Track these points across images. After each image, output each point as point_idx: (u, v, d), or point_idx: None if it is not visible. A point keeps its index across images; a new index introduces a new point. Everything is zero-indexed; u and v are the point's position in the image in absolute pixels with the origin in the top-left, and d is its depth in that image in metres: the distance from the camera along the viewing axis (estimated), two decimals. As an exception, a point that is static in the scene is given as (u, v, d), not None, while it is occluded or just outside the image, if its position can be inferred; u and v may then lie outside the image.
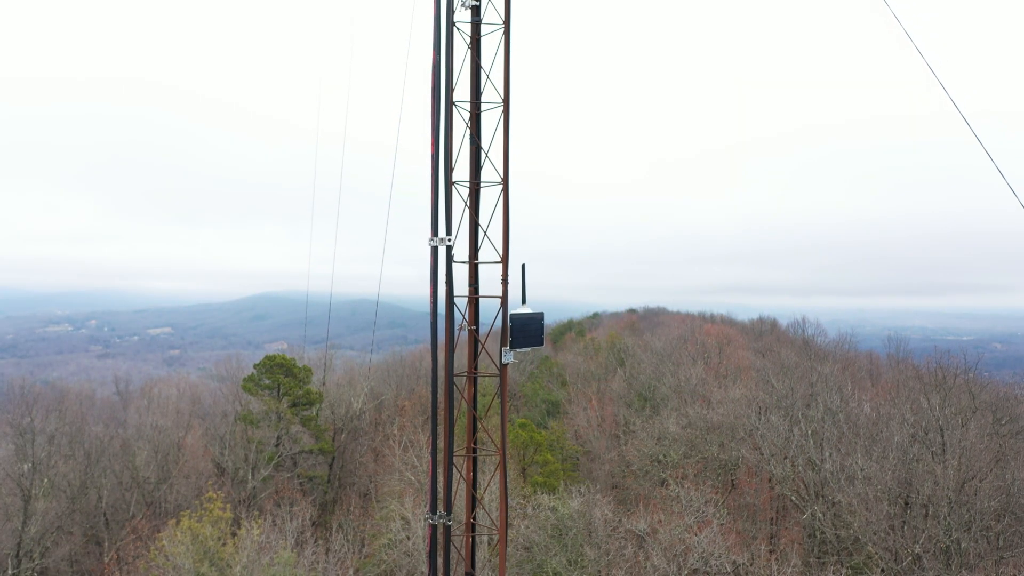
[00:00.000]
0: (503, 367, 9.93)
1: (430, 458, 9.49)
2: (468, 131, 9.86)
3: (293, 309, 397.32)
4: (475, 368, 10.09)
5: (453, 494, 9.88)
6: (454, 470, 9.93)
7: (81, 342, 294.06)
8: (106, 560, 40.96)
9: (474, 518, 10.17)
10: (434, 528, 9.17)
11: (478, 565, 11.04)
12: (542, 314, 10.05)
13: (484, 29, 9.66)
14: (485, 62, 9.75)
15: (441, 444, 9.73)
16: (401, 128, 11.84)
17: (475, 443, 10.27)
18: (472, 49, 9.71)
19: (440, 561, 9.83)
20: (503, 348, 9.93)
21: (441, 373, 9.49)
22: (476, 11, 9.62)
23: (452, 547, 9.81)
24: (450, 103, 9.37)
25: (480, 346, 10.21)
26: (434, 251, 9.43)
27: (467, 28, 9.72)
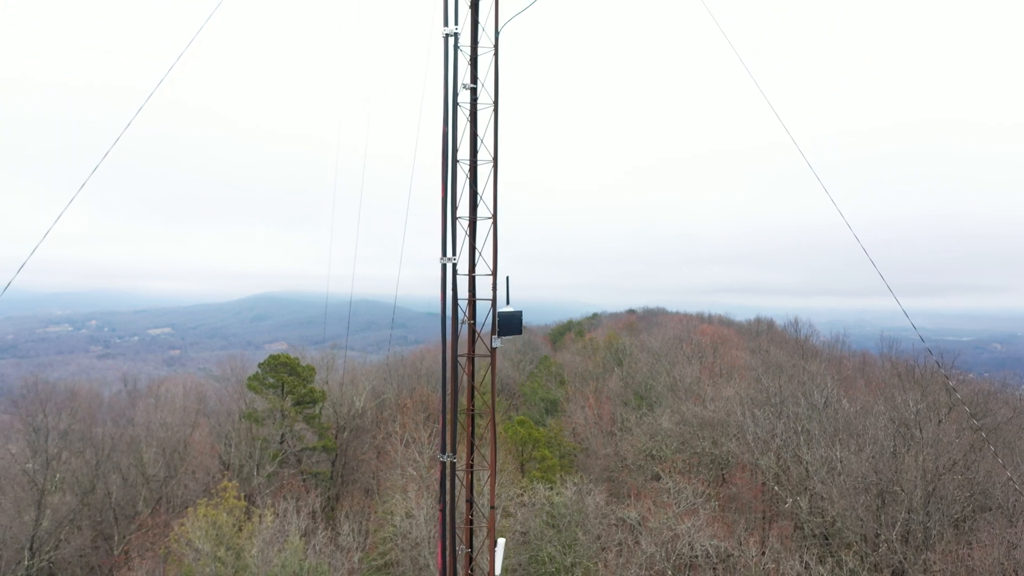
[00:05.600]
0: (493, 350, 14.35)
1: (441, 415, 13.43)
2: (468, 181, 13.85)
3: (292, 309, 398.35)
4: (473, 351, 14.26)
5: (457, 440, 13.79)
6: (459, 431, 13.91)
7: (81, 342, 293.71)
8: (116, 554, 41.98)
9: (472, 460, 14.43)
10: (443, 465, 13.19)
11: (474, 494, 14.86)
12: (521, 312, 14.36)
13: (479, 106, 13.87)
14: (480, 128, 14.06)
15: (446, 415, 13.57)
16: (415, 152, 15.56)
17: (473, 406, 14.61)
18: (471, 121, 13.74)
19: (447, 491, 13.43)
20: (493, 336, 14.15)
21: (449, 355, 13.49)
22: (474, 92, 13.68)
23: (457, 479, 13.85)
24: (455, 161, 13.32)
25: (477, 335, 14.36)
26: (443, 268, 13.27)
27: (467, 106, 13.84)
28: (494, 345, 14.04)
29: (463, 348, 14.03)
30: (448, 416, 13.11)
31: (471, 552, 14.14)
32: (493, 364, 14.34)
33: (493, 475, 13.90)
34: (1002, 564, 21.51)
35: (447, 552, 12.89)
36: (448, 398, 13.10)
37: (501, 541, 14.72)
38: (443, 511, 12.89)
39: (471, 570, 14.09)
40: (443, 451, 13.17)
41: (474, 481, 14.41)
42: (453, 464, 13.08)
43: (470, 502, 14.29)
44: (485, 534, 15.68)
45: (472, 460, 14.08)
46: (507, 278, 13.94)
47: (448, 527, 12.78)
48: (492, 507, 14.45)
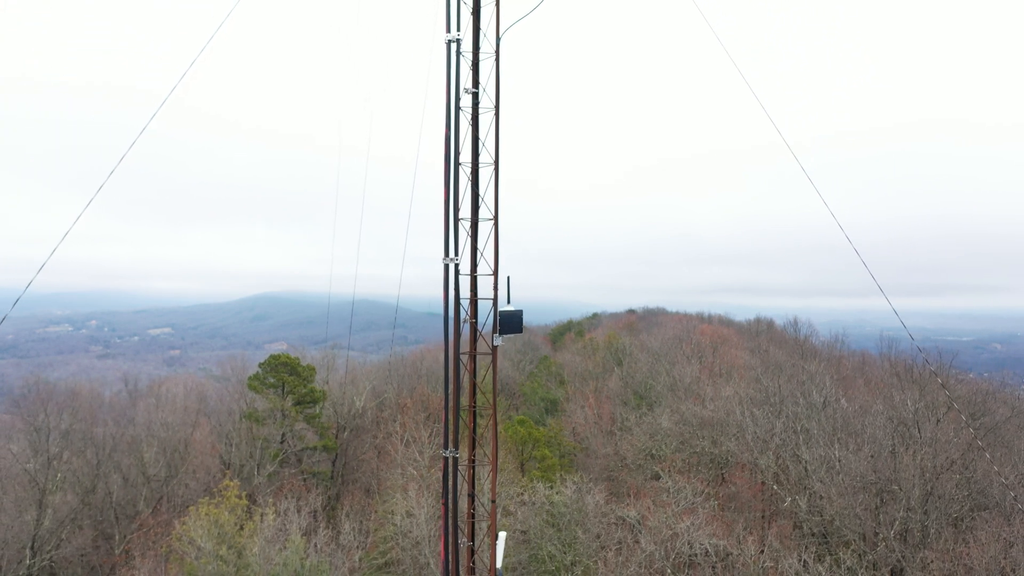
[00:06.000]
0: (494, 347, 14.69)
1: (443, 411, 13.72)
2: (470, 183, 14.25)
3: (292, 309, 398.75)
4: (475, 349, 14.74)
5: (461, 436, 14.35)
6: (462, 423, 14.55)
7: (81, 342, 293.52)
8: (117, 553, 42.08)
9: (474, 455, 14.78)
10: (446, 460, 13.59)
11: (476, 488, 15.33)
12: (521, 311, 14.78)
13: (480, 110, 14.30)
14: (482, 132, 14.49)
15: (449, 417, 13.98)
16: (417, 154, 16.41)
17: (475, 403, 14.91)
18: (472, 125, 14.16)
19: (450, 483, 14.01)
20: (494, 334, 14.57)
21: (452, 353, 13.81)
22: (475, 97, 14.11)
23: (459, 474, 14.21)
24: (457, 164, 13.70)
25: (479, 333, 14.77)
26: (446, 268, 13.60)
27: (469, 110, 14.24)
28: (495, 343, 14.44)
29: (465, 347, 14.36)
30: (451, 413, 13.44)
31: (473, 545, 14.52)
32: (495, 361, 14.83)
33: (495, 470, 14.29)
34: (999, 562, 21.66)
35: (450, 545, 13.22)
36: (451, 395, 13.45)
37: (502, 535, 14.99)
38: (446, 505, 13.24)
39: (473, 563, 14.48)
40: (446, 447, 13.50)
41: (475, 476, 14.64)
42: (455, 459, 13.46)
43: (472, 496, 14.68)
44: (486, 528, 16.11)
45: (474, 455, 14.50)
46: (508, 278, 14.37)
47: (451, 521, 13.10)
48: (493, 501, 14.85)
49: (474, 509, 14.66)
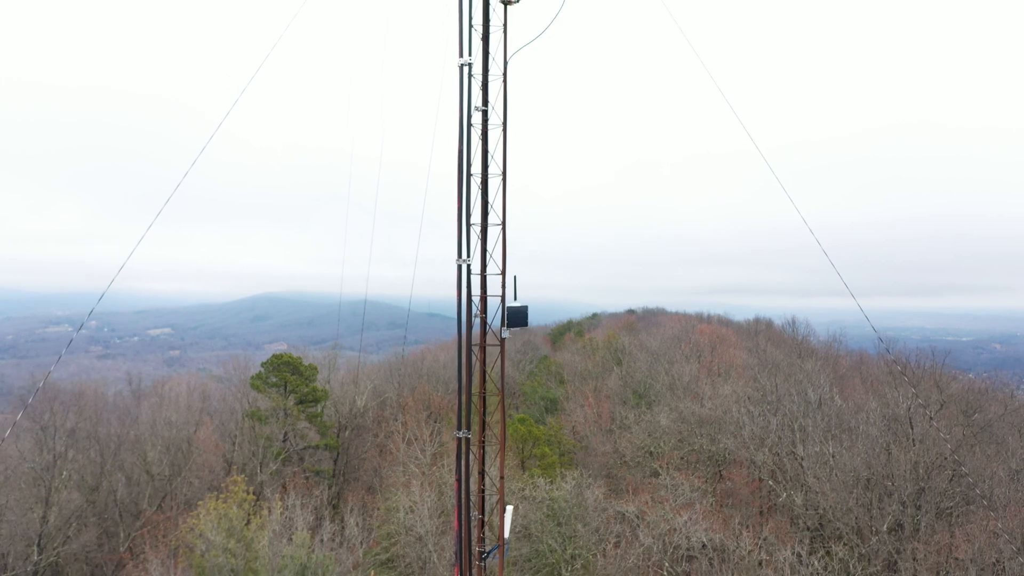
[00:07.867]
0: (502, 340, 16.02)
1: (457, 396, 14.95)
2: (480, 192, 15.45)
3: (292, 310, 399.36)
4: (484, 340, 15.97)
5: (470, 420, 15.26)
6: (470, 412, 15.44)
7: (81, 343, 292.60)
8: (121, 550, 42.51)
9: (484, 437, 15.92)
10: (459, 440, 14.76)
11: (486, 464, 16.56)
12: (526, 306, 16.17)
13: (489, 127, 15.74)
14: (490, 146, 15.89)
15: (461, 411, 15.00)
16: (429, 164, 17.34)
17: (484, 389, 16.17)
18: (482, 140, 15.51)
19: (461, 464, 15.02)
20: (502, 327, 15.86)
21: (464, 345, 14.93)
22: (484, 114, 15.46)
23: (471, 452, 15.39)
24: (468, 176, 15.08)
25: (487, 327, 16.04)
26: (459, 268, 14.86)
27: (479, 126, 15.49)
28: (503, 336, 15.73)
29: (476, 339, 15.52)
30: (463, 398, 14.60)
31: (483, 518, 15.76)
32: (503, 351, 16.16)
33: (503, 448, 15.51)
34: (987, 554, 22.16)
35: (463, 517, 14.35)
36: (463, 383, 14.64)
37: (509, 508, 16.19)
38: (459, 481, 14.34)
39: (483, 533, 15.55)
40: (459, 428, 14.65)
41: (484, 456, 15.93)
42: (468, 440, 14.70)
43: (482, 474, 15.77)
44: (495, 502, 17.72)
45: (484, 437, 15.69)
46: (515, 276, 15.60)
47: (464, 495, 14.25)
48: (502, 477, 15.98)
49: (484, 485, 15.82)
